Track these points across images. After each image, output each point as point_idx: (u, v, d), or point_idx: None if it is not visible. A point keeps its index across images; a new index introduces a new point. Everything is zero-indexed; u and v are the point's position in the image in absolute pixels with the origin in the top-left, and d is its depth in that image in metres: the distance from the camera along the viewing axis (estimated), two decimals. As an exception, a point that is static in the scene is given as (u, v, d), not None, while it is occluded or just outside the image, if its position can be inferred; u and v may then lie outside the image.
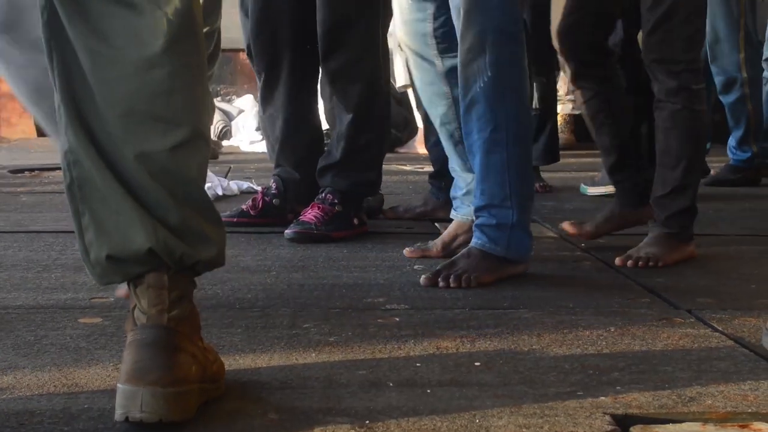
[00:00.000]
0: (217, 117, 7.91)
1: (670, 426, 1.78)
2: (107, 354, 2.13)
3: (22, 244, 3.39)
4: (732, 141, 5.49)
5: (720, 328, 2.41)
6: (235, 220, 3.75)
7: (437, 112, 3.27)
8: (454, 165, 3.28)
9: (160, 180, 1.75)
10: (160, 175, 1.74)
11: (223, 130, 7.87)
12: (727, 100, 5.42)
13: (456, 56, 3.01)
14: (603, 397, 1.89)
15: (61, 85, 1.77)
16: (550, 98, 4.96)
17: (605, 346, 2.26)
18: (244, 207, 3.84)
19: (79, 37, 1.74)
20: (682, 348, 2.24)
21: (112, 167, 1.75)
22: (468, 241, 3.05)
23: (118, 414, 1.69)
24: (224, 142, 7.61)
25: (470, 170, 3.12)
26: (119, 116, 1.74)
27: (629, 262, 3.15)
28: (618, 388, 1.95)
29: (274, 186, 3.86)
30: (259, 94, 3.91)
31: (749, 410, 1.84)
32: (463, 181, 3.24)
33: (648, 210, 3.33)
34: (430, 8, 3.20)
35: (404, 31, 3.27)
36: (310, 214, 3.58)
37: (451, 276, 2.85)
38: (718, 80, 5.41)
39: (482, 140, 2.92)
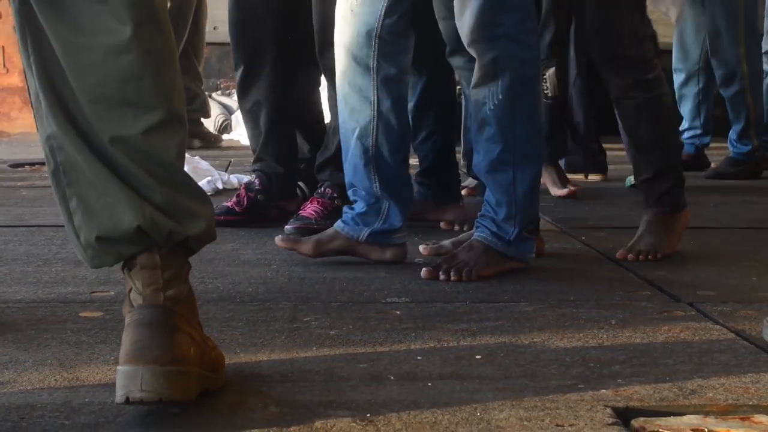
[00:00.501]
0: (217, 111, 7.91)
1: (671, 419, 1.77)
2: (108, 348, 2.13)
3: (23, 239, 3.39)
4: (732, 134, 5.49)
5: (721, 321, 2.41)
6: (222, 218, 3.65)
7: (356, 123, 3.02)
8: (360, 185, 3.05)
9: (138, 162, 1.76)
10: (137, 158, 1.76)
11: (223, 124, 7.87)
12: (727, 93, 5.42)
13: (395, 65, 2.98)
14: (604, 390, 1.89)
15: (38, 72, 1.78)
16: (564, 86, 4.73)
17: (606, 339, 2.25)
18: (228, 204, 3.77)
19: (49, 25, 1.75)
20: (683, 341, 2.24)
21: (95, 150, 1.76)
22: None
23: (119, 396, 1.69)
24: (224, 136, 7.60)
25: (375, 195, 3.03)
26: (91, 102, 1.75)
27: (630, 256, 3.14)
28: (619, 380, 1.95)
29: (257, 181, 3.80)
30: (237, 87, 3.86)
31: (750, 403, 1.84)
32: (364, 201, 3.07)
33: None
34: (384, 2, 3.00)
35: (345, 25, 3.03)
36: (309, 209, 3.57)
37: (452, 269, 2.84)
38: (718, 73, 5.40)
39: (489, 160, 2.91)
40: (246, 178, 4.90)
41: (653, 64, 3.20)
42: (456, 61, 3.26)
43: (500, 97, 2.87)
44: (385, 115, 3.00)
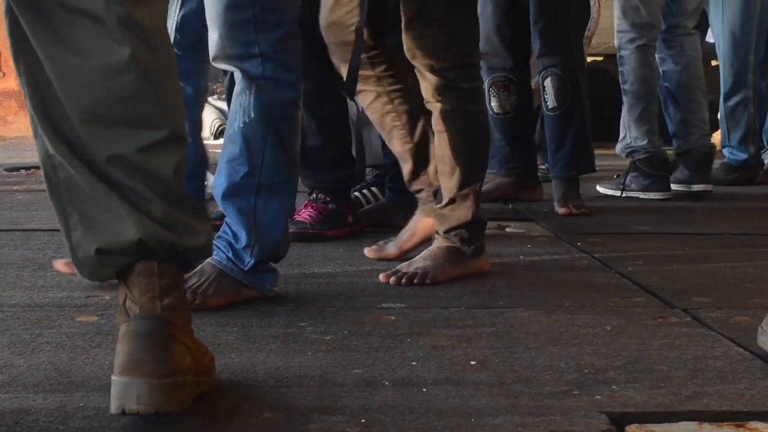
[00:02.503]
0: (213, 115, 7.91)
1: (666, 425, 1.78)
2: (103, 352, 2.13)
3: (18, 243, 3.39)
4: (732, 140, 5.49)
5: (715, 327, 2.41)
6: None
7: None
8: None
9: (136, 178, 1.76)
10: (134, 174, 1.76)
11: (220, 128, 7.87)
12: (732, 101, 5.41)
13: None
14: (599, 396, 1.89)
15: (29, 91, 1.79)
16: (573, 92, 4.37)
17: (601, 345, 2.26)
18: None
19: (41, 45, 1.76)
20: (678, 347, 2.24)
21: (92, 169, 1.77)
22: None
23: (114, 407, 1.69)
24: (220, 140, 7.60)
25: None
26: (86, 122, 1.75)
27: (392, 279, 2.85)
28: (614, 387, 1.95)
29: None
30: (225, 90, 3.87)
31: (745, 409, 1.84)
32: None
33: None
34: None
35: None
36: (304, 214, 3.59)
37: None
38: (727, 81, 5.40)
39: (229, 183, 2.63)
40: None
41: (474, 76, 3.01)
42: None
43: (251, 115, 2.59)
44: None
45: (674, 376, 2.03)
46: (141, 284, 1.76)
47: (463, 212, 2.99)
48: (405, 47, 2.97)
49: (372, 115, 3.20)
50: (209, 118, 7.78)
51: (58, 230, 1.86)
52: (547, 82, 4.25)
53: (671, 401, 1.88)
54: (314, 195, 3.64)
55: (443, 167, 3.00)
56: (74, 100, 1.75)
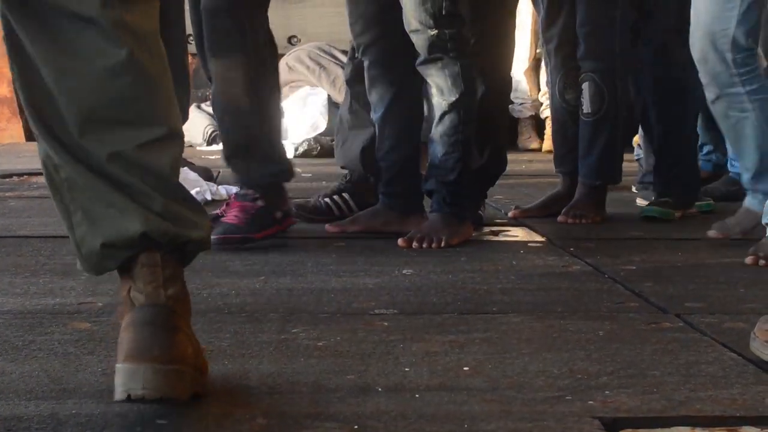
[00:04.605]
0: (206, 121, 7.90)
1: (658, 430, 1.78)
2: (95, 359, 2.13)
3: (10, 249, 3.38)
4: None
5: (708, 333, 2.41)
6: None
7: None
8: None
9: (135, 174, 1.80)
10: (133, 170, 1.80)
11: (213, 135, 7.86)
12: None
13: None
14: (592, 402, 1.89)
15: (25, 98, 1.82)
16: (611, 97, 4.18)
17: (594, 350, 2.26)
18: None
19: (38, 50, 1.79)
20: (671, 352, 2.25)
21: (92, 169, 1.80)
22: None
23: (120, 392, 1.73)
24: (213, 146, 7.59)
25: None
26: (85, 122, 1.79)
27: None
28: (607, 392, 1.95)
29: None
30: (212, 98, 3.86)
31: (738, 414, 1.84)
32: None
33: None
34: None
35: None
36: (231, 215, 3.43)
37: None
38: None
39: None
40: (234, 189, 4.89)
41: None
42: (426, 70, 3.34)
43: None
44: None
45: (667, 381, 2.03)
46: (145, 274, 1.81)
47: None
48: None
49: None
50: (202, 125, 7.76)
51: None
52: (585, 87, 4.15)
53: (664, 406, 1.88)
54: (242, 191, 3.50)
55: None
56: (74, 102, 1.79)
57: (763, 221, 3.24)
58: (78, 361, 2.12)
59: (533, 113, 7.51)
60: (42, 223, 3.88)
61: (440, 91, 3.47)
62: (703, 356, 2.21)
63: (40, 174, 5.65)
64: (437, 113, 3.50)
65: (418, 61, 3.48)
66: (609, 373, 2.08)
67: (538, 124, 7.37)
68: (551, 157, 4.58)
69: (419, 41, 3.42)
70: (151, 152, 1.81)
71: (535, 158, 6.69)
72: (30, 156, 6.75)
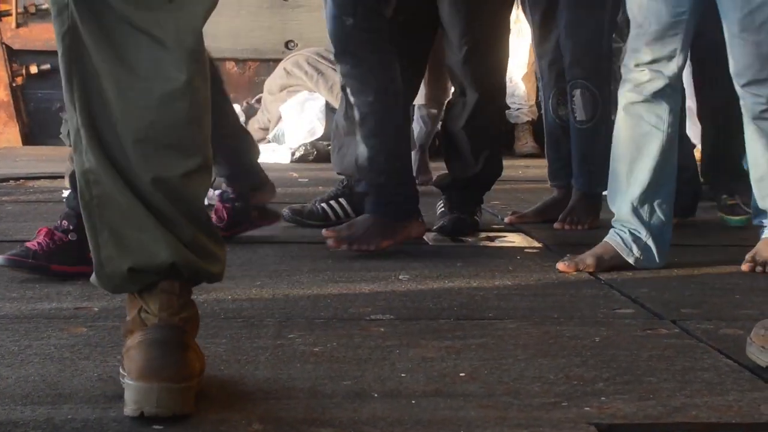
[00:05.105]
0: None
1: (654, 437, 1.78)
2: (92, 364, 2.13)
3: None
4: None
5: (704, 339, 2.41)
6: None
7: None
8: None
9: (174, 203, 1.84)
10: (173, 199, 1.84)
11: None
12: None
13: None
14: (588, 408, 1.89)
15: (81, 108, 1.84)
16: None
17: (590, 356, 2.26)
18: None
19: (104, 64, 1.81)
20: (667, 358, 2.25)
21: (132, 188, 1.83)
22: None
23: (131, 409, 1.75)
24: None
25: None
26: (138, 142, 1.82)
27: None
28: (603, 398, 1.95)
29: (230, 189, 3.71)
30: None
31: (733, 421, 1.84)
32: None
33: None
34: None
35: None
36: (36, 240, 3.06)
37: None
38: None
39: None
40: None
41: None
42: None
43: None
44: None
45: (663, 387, 2.03)
46: (162, 300, 1.85)
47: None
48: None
49: None
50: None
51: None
52: (576, 94, 4.10)
53: (660, 413, 1.88)
54: (59, 221, 3.11)
55: None
56: (130, 120, 1.82)
57: (754, 222, 3.24)
58: (74, 366, 2.12)
59: (530, 118, 7.49)
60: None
61: (356, 92, 3.42)
62: (699, 362, 2.22)
63: (37, 178, 5.67)
64: (357, 116, 3.44)
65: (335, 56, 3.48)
66: (605, 379, 2.08)
67: (538, 129, 7.26)
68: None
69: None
70: (192, 182, 1.86)
71: (531, 164, 6.69)
72: (27, 160, 6.76)
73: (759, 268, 3.19)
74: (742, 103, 3.22)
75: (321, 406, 1.89)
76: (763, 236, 3.31)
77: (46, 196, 4.98)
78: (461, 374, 2.11)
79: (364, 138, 3.46)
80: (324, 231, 3.46)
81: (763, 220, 3.37)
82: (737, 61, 3.15)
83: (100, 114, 1.82)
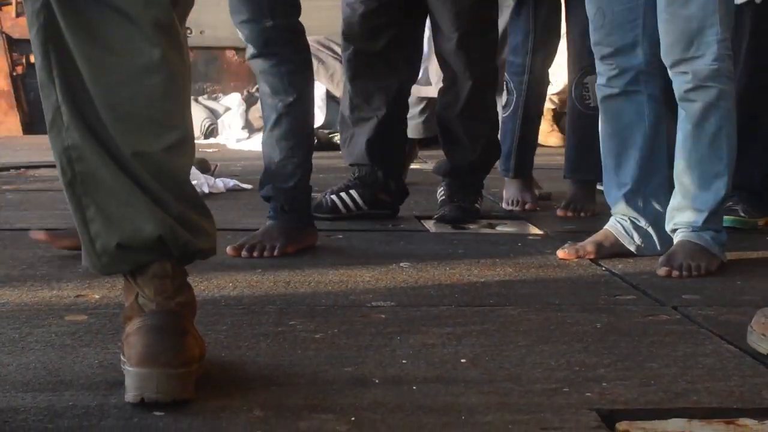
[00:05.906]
0: (203, 115, 7.90)
1: (656, 422, 1.78)
2: (92, 351, 2.13)
3: (7, 242, 3.38)
4: None
5: (705, 325, 2.41)
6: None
7: None
8: None
9: (156, 177, 1.84)
10: (155, 172, 1.83)
11: (210, 128, 7.86)
12: None
13: None
14: (589, 394, 1.89)
15: (61, 86, 1.83)
16: None
17: (591, 342, 2.26)
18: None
19: (77, 44, 1.81)
20: (668, 344, 2.25)
21: (117, 162, 1.83)
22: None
23: (132, 396, 1.76)
24: (211, 140, 7.59)
25: None
26: (117, 118, 1.82)
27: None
28: (604, 384, 1.95)
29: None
30: None
31: (735, 406, 1.84)
32: None
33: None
34: None
35: None
36: None
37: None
38: None
39: None
40: (232, 182, 4.90)
41: None
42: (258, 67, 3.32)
43: None
44: None
45: (664, 373, 2.03)
46: (156, 285, 1.85)
47: None
48: None
49: None
50: (199, 118, 7.76)
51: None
52: (589, 80, 4.05)
53: (661, 398, 1.88)
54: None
55: None
56: (107, 96, 1.81)
57: (668, 228, 3.19)
58: (75, 353, 2.12)
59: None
60: (39, 216, 3.89)
61: (275, 91, 3.29)
62: (700, 348, 2.21)
63: (38, 167, 5.67)
64: (272, 116, 3.30)
65: (248, 56, 3.35)
66: (606, 365, 2.08)
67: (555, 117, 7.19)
68: (551, 151, 4.54)
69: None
70: (173, 155, 1.85)
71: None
72: (27, 149, 6.76)
73: (675, 273, 3.00)
74: (674, 88, 3.09)
75: (322, 392, 1.89)
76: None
77: (46, 185, 4.98)
78: (462, 360, 2.11)
79: (276, 140, 3.32)
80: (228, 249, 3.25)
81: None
82: (663, 38, 3.05)
83: (80, 92, 1.82)
